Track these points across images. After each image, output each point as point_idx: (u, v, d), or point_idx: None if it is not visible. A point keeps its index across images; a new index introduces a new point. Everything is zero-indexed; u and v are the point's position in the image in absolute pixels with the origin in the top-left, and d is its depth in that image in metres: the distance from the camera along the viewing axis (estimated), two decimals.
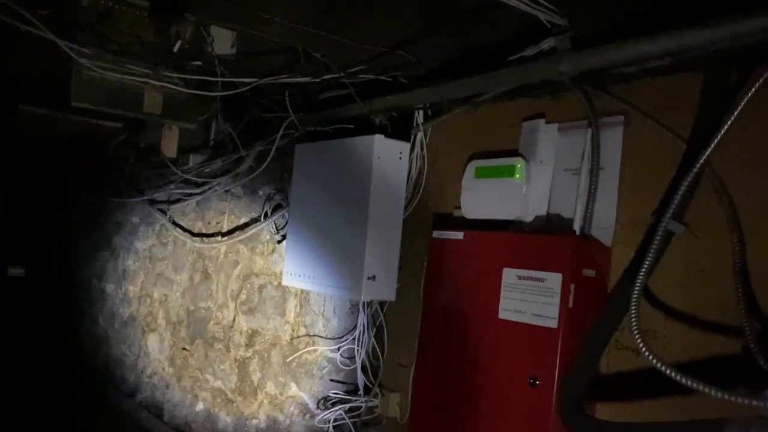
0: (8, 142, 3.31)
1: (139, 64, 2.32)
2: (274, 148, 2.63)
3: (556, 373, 1.83)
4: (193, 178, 3.33)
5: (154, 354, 4.30)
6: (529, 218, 2.16)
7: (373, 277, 2.15)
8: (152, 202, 4.26)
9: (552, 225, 2.12)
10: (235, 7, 1.94)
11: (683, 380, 1.37)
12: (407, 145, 2.30)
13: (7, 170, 4.59)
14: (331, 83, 2.42)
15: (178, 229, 3.94)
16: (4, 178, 4.60)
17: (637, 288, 1.59)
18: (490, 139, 2.36)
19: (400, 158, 2.26)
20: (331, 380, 2.72)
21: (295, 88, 2.50)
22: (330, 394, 2.52)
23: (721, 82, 1.68)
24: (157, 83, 2.34)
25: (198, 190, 3.58)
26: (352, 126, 2.36)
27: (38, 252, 6.34)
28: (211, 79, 2.32)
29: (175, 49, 2.34)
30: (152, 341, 4.35)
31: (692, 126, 1.75)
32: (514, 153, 2.22)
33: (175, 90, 2.37)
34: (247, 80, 2.28)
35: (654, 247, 1.67)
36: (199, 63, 2.41)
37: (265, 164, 2.71)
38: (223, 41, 2.40)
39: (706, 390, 1.36)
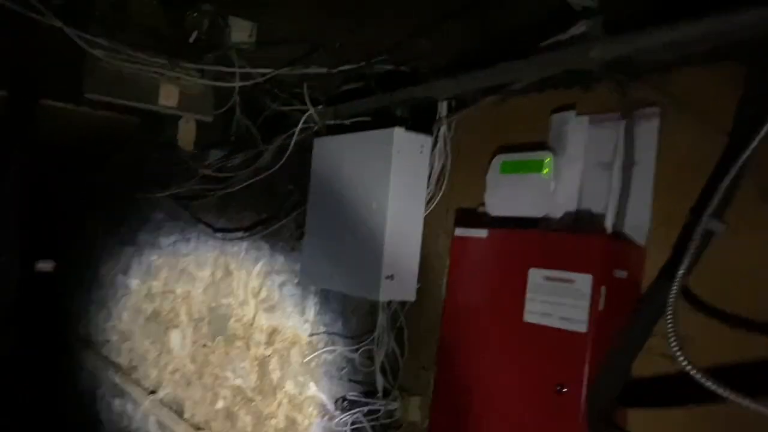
0: (28, 136, 3.29)
1: (155, 56, 2.27)
2: (292, 143, 2.56)
3: (585, 380, 1.72)
4: (213, 174, 3.27)
5: (176, 350, 4.27)
6: (557, 216, 2.04)
7: (392, 277, 2.06)
8: (175, 198, 4.24)
9: (582, 223, 2.00)
10: None
11: (718, 389, 1.25)
12: (429, 139, 2.20)
13: (28, 165, 4.61)
14: (351, 75, 2.34)
15: (200, 225, 3.90)
16: (25, 172, 4.62)
17: (674, 291, 1.48)
18: (517, 132, 2.25)
19: (421, 152, 2.17)
20: (351, 381, 2.64)
21: (314, 80, 2.42)
22: (348, 396, 2.44)
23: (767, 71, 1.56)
24: (172, 75, 2.28)
25: (220, 186, 3.54)
26: (369, 119, 2.26)
27: (65, 247, 6.39)
28: (226, 69, 2.25)
29: (191, 40, 2.28)
30: (175, 337, 4.33)
31: (734, 118, 1.63)
32: (542, 147, 2.11)
33: (191, 82, 2.31)
34: (263, 71, 2.20)
35: (692, 247, 1.55)
36: (216, 54, 2.35)
37: (284, 159, 2.64)
38: (241, 31, 2.33)
39: (739, 400, 1.24)
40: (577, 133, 2.04)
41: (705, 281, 1.69)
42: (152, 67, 2.25)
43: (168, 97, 2.26)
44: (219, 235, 3.79)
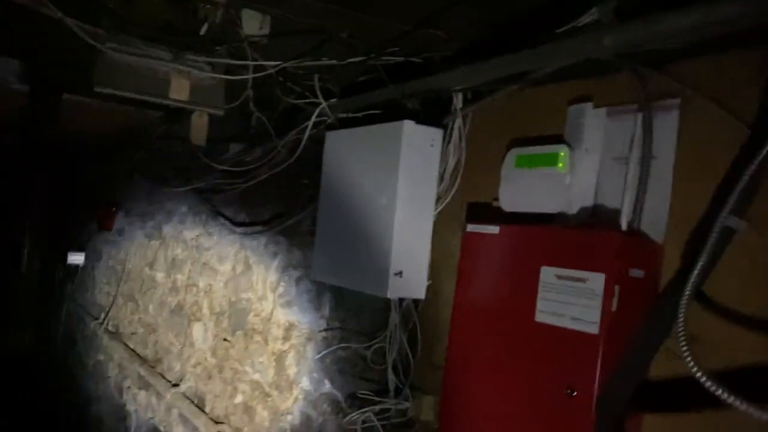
0: (52, 131, 3.33)
1: (165, 49, 2.25)
2: (305, 137, 2.52)
3: (596, 384, 1.65)
4: (230, 168, 3.26)
5: (198, 344, 4.29)
6: (573, 211, 1.97)
7: (400, 274, 2.01)
8: (199, 191, 4.26)
9: (599, 219, 1.92)
10: None
11: (724, 395, 1.17)
12: (440, 132, 2.14)
13: (53, 159, 4.68)
14: (363, 66, 2.29)
15: (220, 218, 3.91)
16: (50, 167, 4.70)
17: (687, 292, 1.39)
18: (532, 125, 2.17)
19: (432, 146, 2.11)
20: (363, 379, 2.60)
21: (326, 73, 2.38)
22: (359, 394, 2.40)
23: None
24: (183, 68, 2.26)
25: (240, 180, 3.53)
26: (379, 112, 2.21)
27: (94, 241, 6.50)
28: (235, 62, 2.23)
29: (202, 32, 2.26)
30: (197, 331, 4.35)
31: (758, 109, 1.53)
32: (558, 140, 2.03)
33: (202, 75, 2.29)
34: (272, 63, 2.17)
35: (708, 245, 1.47)
36: (228, 47, 2.33)
37: (298, 153, 2.61)
38: (252, 23, 2.30)
39: (740, 404, 1.16)
40: (594, 125, 1.96)
41: (726, 281, 1.60)
42: (163, 60, 2.23)
43: (179, 91, 2.24)
44: (238, 229, 3.79)
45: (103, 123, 3.98)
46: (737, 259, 1.58)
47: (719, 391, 1.17)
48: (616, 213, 1.84)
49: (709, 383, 1.17)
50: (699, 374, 1.20)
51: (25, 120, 3.31)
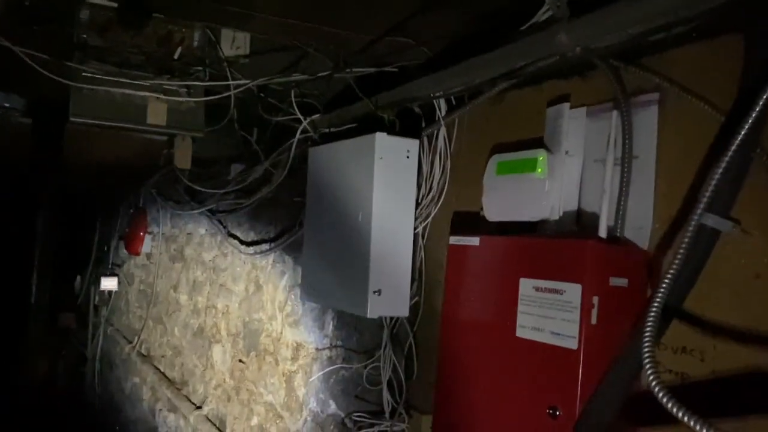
0: (57, 160, 3.38)
1: (141, 76, 2.25)
2: (291, 155, 2.48)
3: (577, 403, 1.54)
4: (229, 190, 3.25)
5: (218, 365, 4.29)
6: (555, 218, 1.86)
7: (379, 292, 1.93)
8: (212, 213, 4.26)
9: (584, 225, 1.81)
10: (210, 4, 1.81)
11: (674, 410, 1.06)
12: (416, 143, 2.06)
13: (61, 188, 4.78)
14: (341, 80, 2.24)
15: (230, 239, 3.90)
16: (59, 196, 4.80)
17: (656, 302, 1.28)
18: (514, 129, 2.08)
19: (408, 157, 2.03)
20: (361, 399, 2.53)
21: (307, 88, 2.34)
22: (354, 417, 2.32)
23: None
24: (160, 95, 2.25)
25: (246, 200, 3.52)
26: (355, 125, 2.15)
27: (128, 265, 6.61)
28: (209, 84, 2.20)
29: (176, 56, 2.24)
30: (217, 353, 4.34)
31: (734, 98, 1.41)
32: (539, 144, 1.94)
33: (180, 99, 2.27)
34: (243, 82, 2.14)
35: (686, 248, 1.35)
36: (204, 68, 2.31)
37: (285, 171, 2.57)
38: (230, 43, 2.28)
39: (689, 421, 1.05)
40: (573, 127, 1.85)
41: (714, 288, 1.48)
42: (139, 87, 2.22)
43: (156, 116, 2.23)
44: (249, 249, 3.78)
45: (117, 148, 4.03)
46: (725, 263, 1.45)
47: (672, 407, 1.05)
48: None
49: (665, 400, 1.06)
50: (656, 387, 1.09)
51: (31, 151, 3.38)
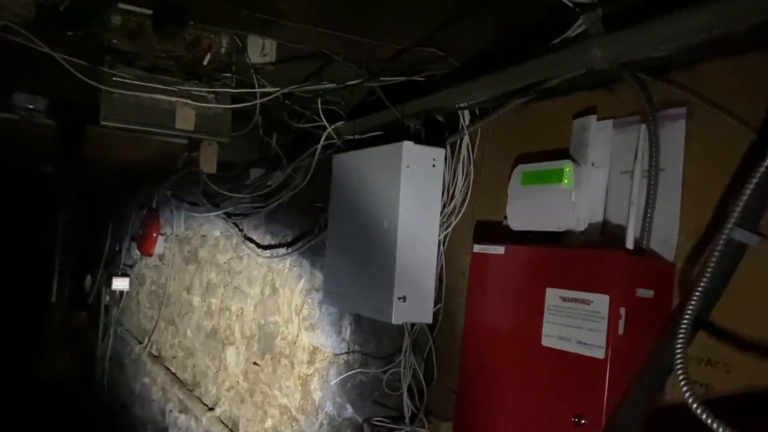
0: (80, 162, 3.42)
1: (170, 81, 2.28)
2: (314, 160, 2.51)
3: (604, 412, 1.56)
4: (247, 195, 3.28)
5: (231, 367, 4.31)
6: (580, 229, 1.88)
7: (404, 298, 1.96)
8: (229, 216, 4.29)
9: (609, 236, 1.84)
10: (242, 12, 1.84)
11: (710, 422, 1.08)
12: (442, 151, 2.09)
13: (82, 190, 4.82)
14: (368, 88, 2.26)
15: (247, 242, 3.93)
16: (79, 198, 4.83)
17: (687, 314, 1.30)
18: (539, 140, 2.10)
19: (434, 166, 2.05)
20: (381, 404, 2.55)
21: (332, 96, 2.36)
22: (373, 421, 2.34)
23: None
24: (188, 100, 2.28)
25: (264, 204, 3.55)
26: (382, 133, 2.18)
27: (139, 266, 6.65)
28: (237, 91, 2.23)
29: (205, 62, 2.27)
30: (230, 355, 4.37)
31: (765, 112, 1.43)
32: (565, 155, 1.96)
33: (208, 105, 2.30)
34: (272, 89, 2.17)
35: (715, 261, 1.37)
36: (232, 74, 2.34)
37: (308, 177, 2.60)
38: (258, 50, 2.31)
39: None
40: (600, 139, 1.88)
41: (741, 302, 1.50)
42: (167, 92, 2.25)
43: (184, 121, 2.26)
44: (266, 252, 3.80)
45: (136, 150, 4.07)
46: (751, 277, 1.47)
47: (709, 421, 1.08)
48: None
49: (700, 410, 1.08)
50: (692, 402, 1.11)
51: (55, 152, 3.42)
